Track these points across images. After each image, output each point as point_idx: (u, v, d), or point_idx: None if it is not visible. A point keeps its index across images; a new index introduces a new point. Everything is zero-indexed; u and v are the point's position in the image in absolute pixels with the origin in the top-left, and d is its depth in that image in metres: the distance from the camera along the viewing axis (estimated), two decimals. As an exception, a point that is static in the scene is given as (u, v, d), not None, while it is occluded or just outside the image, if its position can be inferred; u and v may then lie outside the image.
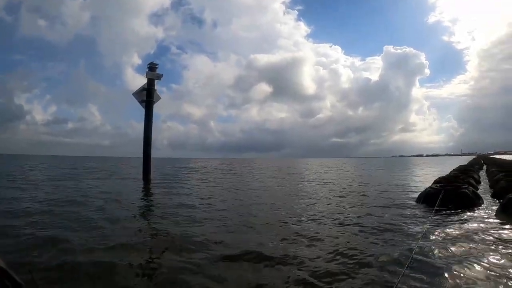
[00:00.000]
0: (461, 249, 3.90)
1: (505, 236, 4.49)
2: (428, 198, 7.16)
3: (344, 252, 3.98)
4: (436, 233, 4.74)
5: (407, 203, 7.61)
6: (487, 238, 4.39)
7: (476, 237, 4.42)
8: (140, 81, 14.04)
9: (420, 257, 3.63)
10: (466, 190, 6.90)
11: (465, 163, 27.87)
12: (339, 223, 5.71)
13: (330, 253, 3.96)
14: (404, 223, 5.55)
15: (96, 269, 3.43)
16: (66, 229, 5.24)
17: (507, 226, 5.02)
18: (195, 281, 3.14)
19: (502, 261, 3.47)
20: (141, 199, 9.39)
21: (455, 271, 3.19)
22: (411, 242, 4.31)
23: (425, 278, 3.07)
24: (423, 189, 8.46)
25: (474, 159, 44.96)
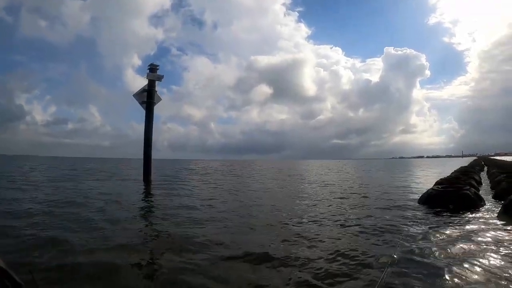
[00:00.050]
0: (463, 251, 3.88)
1: (507, 237, 4.46)
2: (429, 200, 7.13)
3: (345, 253, 3.97)
4: (438, 234, 4.72)
5: (409, 205, 7.58)
6: (489, 239, 4.37)
7: (479, 239, 4.39)
8: (141, 82, 14.06)
9: (420, 258, 3.62)
10: (468, 192, 6.87)
11: (466, 164, 27.83)
12: (340, 225, 5.69)
13: (331, 254, 3.95)
14: (405, 224, 5.52)
15: (96, 270, 3.42)
16: (66, 230, 5.22)
17: (509, 228, 4.98)
18: (197, 282, 3.13)
19: (504, 262, 3.45)
20: (142, 200, 9.38)
21: (457, 272, 3.17)
22: (412, 243, 4.29)
23: (426, 279, 3.05)
24: (424, 191, 8.44)
25: (474, 160, 44.93)
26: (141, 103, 13.69)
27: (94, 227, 5.47)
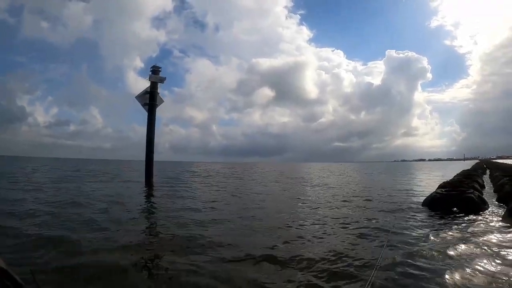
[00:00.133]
0: (467, 254, 3.86)
1: (512, 241, 4.43)
2: (433, 203, 7.10)
3: (349, 254, 3.99)
4: (442, 237, 4.70)
5: (413, 208, 7.55)
6: (494, 243, 4.34)
7: (483, 242, 4.37)
8: (142, 84, 14.11)
9: (424, 261, 3.62)
10: (472, 195, 6.84)
11: (468, 167, 27.74)
12: (344, 227, 5.68)
13: (334, 255, 3.97)
14: (409, 227, 5.50)
15: (100, 270, 3.43)
16: (69, 230, 5.24)
17: (514, 231, 4.95)
18: (201, 282, 3.15)
19: (509, 267, 3.42)
20: (144, 202, 9.38)
21: (460, 275, 3.16)
22: (416, 246, 4.28)
23: (429, 281, 3.05)
24: (428, 194, 8.41)
25: (476, 163, 44.78)
26: (143, 105, 13.70)
27: (97, 227, 5.49)
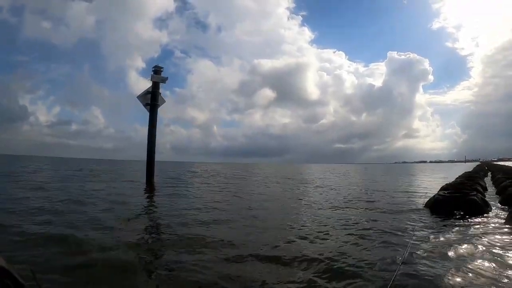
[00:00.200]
0: (471, 256, 3.85)
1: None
2: (436, 205, 7.07)
3: (351, 255, 4.00)
4: (445, 240, 4.69)
5: (415, 210, 7.53)
6: (498, 245, 4.32)
7: (487, 244, 4.34)
8: (144, 84, 14.11)
9: (426, 263, 3.61)
10: (475, 197, 6.81)
11: (470, 169, 27.66)
12: (346, 228, 5.68)
13: (337, 255, 3.99)
14: (412, 229, 5.48)
15: (103, 269, 3.44)
16: (73, 228, 5.27)
17: (517, 234, 4.93)
18: (205, 281, 3.17)
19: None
20: (146, 201, 9.40)
21: (464, 277, 3.15)
22: (419, 248, 4.26)
23: (433, 282, 3.04)
24: (430, 196, 8.39)
25: (478, 165, 44.67)
26: (145, 105, 13.70)
27: (100, 226, 5.52)
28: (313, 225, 5.95)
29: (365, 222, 6.17)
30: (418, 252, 4.02)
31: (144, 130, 13.73)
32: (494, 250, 4.08)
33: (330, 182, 19.18)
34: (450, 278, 3.13)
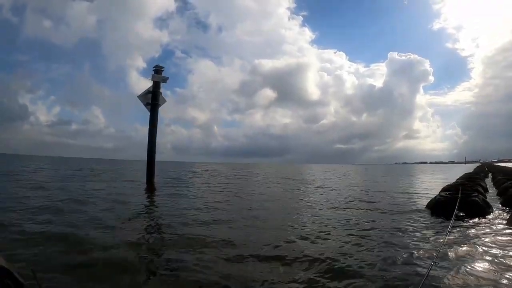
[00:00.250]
0: (472, 257, 3.83)
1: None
2: (437, 206, 7.05)
3: (352, 255, 4.02)
4: (447, 240, 4.65)
5: (416, 210, 7.52)
6: (500, 246, 4.31)
7: (489, 246, 4.34)
8: (145, 84, 14.07)
9: (427, 263, 3.58)
10: (476, 198, 6.80)
11: (470, 170, 27.61)
12: (347, 228, 5.67)
13: (338, 255, 4.00)
14: (413, 230, 5.49)
15: (104, 268, 3.44)
16: (74, 227, 5.27)
17: (520, 235, 4.92)
18: (206, 280, 3.18)
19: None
20: (147, 201, 9.40)
21: (466, 278, 3.14)
22: (420, 248, 4.26)
23: (436, 283, 3.02)
24: (431, 197, 8.38)
25: (478, 166, 44.61)
26: (146, 105, 13.66)
27: (101, 225, 5.53)
28: (314, 226, 5.94)
29: (366, 223, 6.16)
30: (419, 253, 4.02)
31: (145, 130, 13.70)
32: (496, 251, 4.07)
33: (330, 183, 19.15)
34: (451, 279, 3.12)
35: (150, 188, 12.41)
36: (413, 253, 4.02)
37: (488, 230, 5.35)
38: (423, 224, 5.96)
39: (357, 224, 6.09)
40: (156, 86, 13.66)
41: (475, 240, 4.67)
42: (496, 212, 6.89)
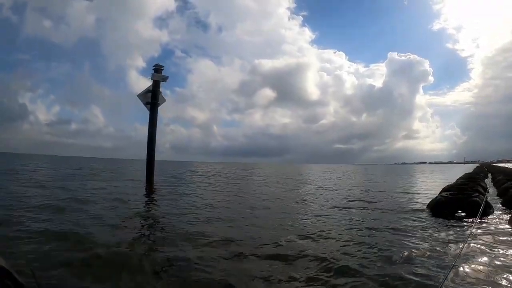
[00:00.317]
0: (474, 257, 3.82)
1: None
2: (438, 206, 7.02)
3: (353, 254, 4.07)
4: (449, 240, 4.69)
5: (417, 211, 7.53)
6: (503, 246, 4.30)
7: (491, 246, 4.33)
8: (144, 84, 14.05)
9: (428, 263, 3.61)
10: (477, 199, 6.78)
11: (469, 171, 27.63)
12: (348, 228, 5.69)
13: (338, 254, 4.05)
14: (414, 229, 5.50)
15: (106, 265, 3.47)
16: (75, 225, 5.28)
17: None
18: (207, 278, 3.20)
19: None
20: (148, 200, 9.40)
21: (466, 280, 3.14)
22: (422, 249, 4.25)
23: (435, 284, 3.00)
24: (431, 197, 8.37)
25: (478, 167, 44.60)
26: (145, 104, 13.63)
27: (102, 224, 5.56)
28: (315, 225, 5.96)
29: (367, 222, 6.17)
30: (420, 253, 4.01)
31: (144, 129, 13.66)
32: (498, 251, 4.07)
33: (330, 183, 19.16)
34: (452, 279, 3.11)
35: (150, 187, 12.40)
36: (414, 253, 4.02)
37: (489, 230, 5.34)
38: (424, 224, 5.96)
39: (358, 223, 6.10)
40: (156, 85, 13.62)
41: (477, 240, 4.66)
42: (497, 213, 6.89)
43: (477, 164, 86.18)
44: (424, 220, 6.38)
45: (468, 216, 6.31)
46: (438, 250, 4.15)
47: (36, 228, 4.98)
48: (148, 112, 13.52)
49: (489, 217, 6.42)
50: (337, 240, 4.77)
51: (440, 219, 6.33)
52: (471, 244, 4.40)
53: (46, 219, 5.73)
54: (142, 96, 13.70)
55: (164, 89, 13.88)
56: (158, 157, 14.04)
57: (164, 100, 14.09)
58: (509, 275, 3.24)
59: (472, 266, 3.51)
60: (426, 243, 4.53)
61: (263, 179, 21.79)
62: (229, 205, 8.56)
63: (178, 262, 3.65)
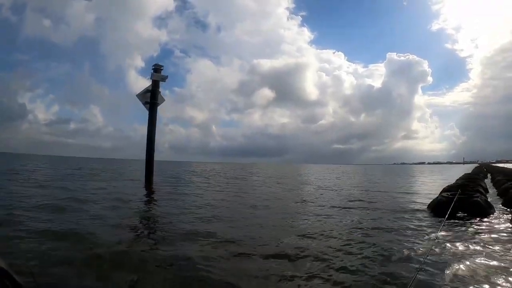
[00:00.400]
0: (476, 257, 3.80)
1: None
2: (439, 206, 7.00)
3: (354, 253, 4.08)
4: (450, 241, 4.65)
5: (417, 211, 7.52)
6: (505, 246, 4.28)
7: (493, 246, 4.31)
8: (143, 83, 14.04)
9: (430, 263, 3.57)
10: (479, 199, 6.78)
11: (469, 171, 27.67)
12: (349, 228, 5.67)
13: (339, 253, 4.05)
14: (415, 230, 5.49)
15: (106, 264, 3.45)
16: (76, 225, 5.27)
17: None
18: (208, 277, 3.19)
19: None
20: (147, 199, 9.39)
21: (467, 280, 3.12)
22: (423, 249, 4.21)
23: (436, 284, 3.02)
24: (432, 197, 8.37)
25: (477, 167, 44.65)
26: (144, 104, 13.60)
27: (102, 223, 5.54)
28: (316, 225, 5.95)
29: (368, 222, 6.16)
30: (420, 253, 4.00)
31: (143, 129, 13.65)
32: (499, 252, 4.06)
33: (330, 183, 19.15)
34: (454, 280, 3.11)
35: (150, 187, 12.39)
36: (414, 252, 4.02)
37: (491, 230, 5.34)
38: (425, 224, 5.96)
39: (358, 223, 6.08)
40: (155, 85, 13.60)
41: (479, 240, 4.66)
42: (498, 213, 6.87)
43: (476, 165, 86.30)
44: (424, 220, 6.37)
45: (470, 216, 6.30)
46: (438, 250, 4.13)
47: (36, 228, 4.96)
48: (147, 112, 13.50)
49: (490, 217, 6.40)
50: (337, 240, 4.77)
51: (441, 219, 6.28)
52: (472, 244, 4.39)
53: (46, 219, 5.71)
54: (141, 95, 13.66)
55: (163, 89, 13.88)
56: (157, 157, 14.00)
57: (163, 100, 14.06)
58: (509, 275, 3.23)
59: (473, 266, 3.49)
60: (426, 243, 4.51)
61: (262, 179, 21.79)
62: (229, 205, 8.56)
63: (179, 261, 3.63)
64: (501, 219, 6.19)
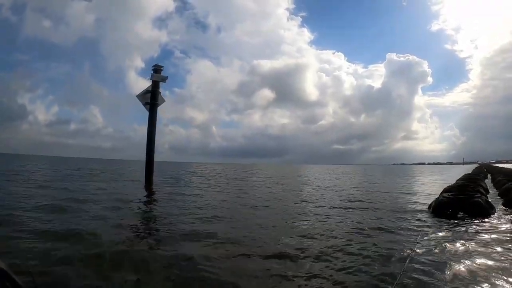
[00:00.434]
0: (477, 258, 3.79)
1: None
2: (440, 207, 6.99)
3: (355, 252, 4.10)
4: (451, 242, 4.64)
5: (418, 211, 7.51)
6: (507, 247, 4.27)
7: (494, 246, 4.30)
8: (143, 84, 14.04)
9: (431, 263, 3.57)
10: (480, 199, 6.76)
11: (469, 171, 27.65)
12: (349, 228, 5.67)
13: (340, 253, 4.07)
14: (415, 230, 5.46)
15: (107, 265, 3.46)
16: (75, 225, 5.24)
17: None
18: (209, 276, 3.20)
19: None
20: (148, 200, 9.38)
21: (468, 279, 3.12)
22: (424, 249, 4.22)
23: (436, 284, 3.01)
24: (432, 197, 8.35)
25: (477, 168, 44.64)
26: (144, 104, 13.59)
27: (103, 223, 5.54)
28: (316, 225, 5.95)
29: (368, 223, 6.16)
30: (422, 253, 3.99)
31: (143, 130, 13.65)
32: (500, 252, 4.05)
33: (330, 183, 19.13)
34: (454, 280, 3.10)
35: (150, 187, 12.38)
36: (415, 253, 3.99)
37: (492, 230, 5.32)
38: (425, 224, 5.93)
39: (358, 223, 6.08)
40: (155, 85, 13.59)
41: (480, 240, 4.65)
42: (499, 213, 6.86)
43: (476, 165, 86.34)
44: (425, 220, 6.35)
45: (471, 216, 6.29)
46: (438, 250, 4.13)
47: (36, 228, 4.95)
48: (147, 113, 13.49)
49: (491, 217, 6.38)
50: (338, 240, 4.77)
51: (442, 220, 6.30)
52: (473, 245, 4.38)
53: (45, 219, 5.70)
54: (141, 96, 13.66)
55: (163, 90, 13.89)
56: (157, 157, 14.01)
57: (163, 101, 14.05)
58: (510, 276, 3.22)
59: (473, 266, 3.48)
60: (427, 244, 4.51)
61: (263, 180, 21.78)
62: (230, 206, 8.55)
63: (179, 261, 3.63)
64: (502, 220, 6.18)
